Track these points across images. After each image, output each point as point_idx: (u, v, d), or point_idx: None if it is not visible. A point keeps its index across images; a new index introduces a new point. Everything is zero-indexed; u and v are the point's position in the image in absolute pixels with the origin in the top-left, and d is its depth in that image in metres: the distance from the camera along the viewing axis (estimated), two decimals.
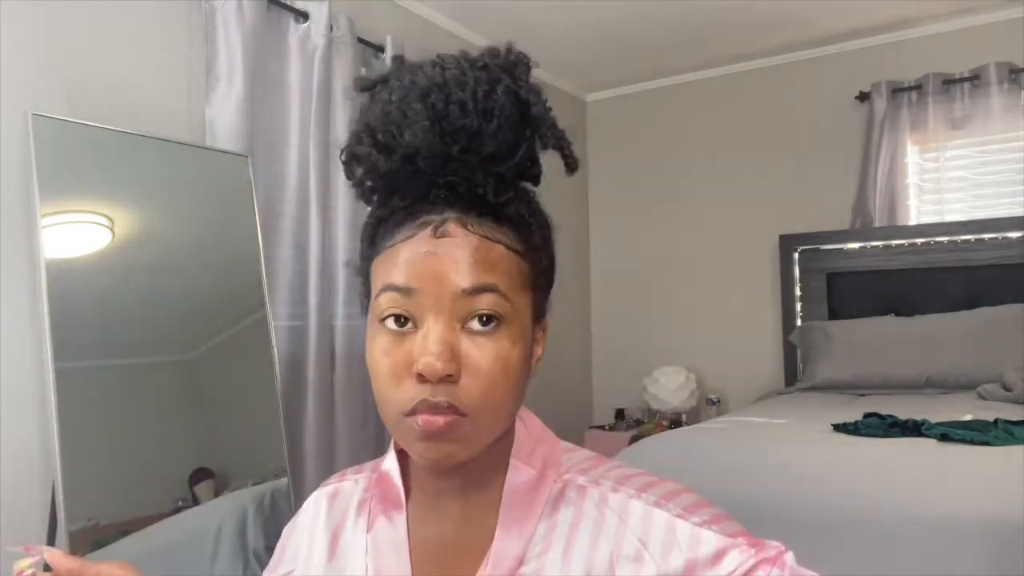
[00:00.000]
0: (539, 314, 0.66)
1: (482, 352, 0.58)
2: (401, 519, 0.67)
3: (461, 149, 0.58)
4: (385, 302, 0.60)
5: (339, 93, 2.56)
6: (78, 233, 1.77)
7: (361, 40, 2.67)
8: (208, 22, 2.19)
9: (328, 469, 2.28)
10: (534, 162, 0.63)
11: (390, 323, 0.60)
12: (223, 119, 2.18)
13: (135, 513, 1.74)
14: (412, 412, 0.58)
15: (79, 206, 1.77)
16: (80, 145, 1.79)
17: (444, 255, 0.59)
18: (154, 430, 1.85)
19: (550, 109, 0.63)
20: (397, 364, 0.59)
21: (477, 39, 3.38)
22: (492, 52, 0.62)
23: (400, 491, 0.68)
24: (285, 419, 2.16)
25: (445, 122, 0.58)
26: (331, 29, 2.52)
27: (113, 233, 1.83)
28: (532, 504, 0.65)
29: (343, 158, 0.63)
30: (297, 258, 2.41)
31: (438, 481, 0.66)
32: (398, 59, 0.66)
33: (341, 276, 2.55)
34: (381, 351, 0.60)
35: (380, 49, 2.77)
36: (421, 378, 0.57)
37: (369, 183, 0.63)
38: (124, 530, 1.70)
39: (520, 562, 0.63)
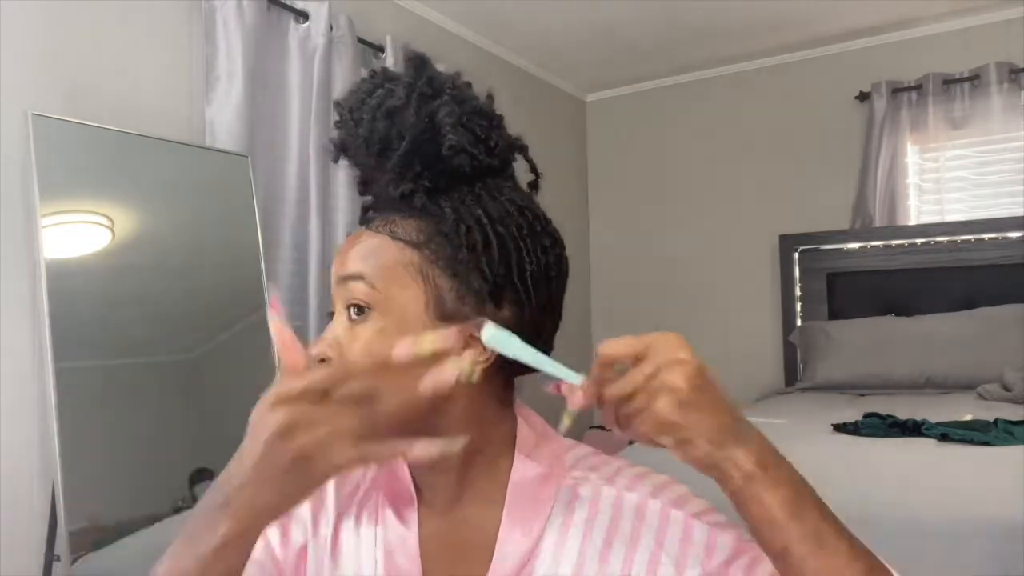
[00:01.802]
0: (455, 309, 0.61)
1: (350, 339, 0.62)
2: (411, 516, 0.67)
3: (359, 155, 0.65)
4: None
5: (339, 93, 2.55)
6: (78, 233, 1.77)
7: (361, 40, 2.67)
8: (208, 22, 2.19)
9: None
10: (453, 153, 0.62)
11: None
12: (223, 119, 2.18)
13: (135, 513, 1.74)
14: None
15: (79, 206, 1.77)
16: (80, 145, 1.79)
17: (342, 253, 0.65)
18: (154, 430, 1.84)
19: (442, 93, 0.63)
20: None
21: (477, 39, 3.38)
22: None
23: (410, 487, 0.68)
24: None
25: (338, 138, 0.67)
26: (331, 29, 2.52)
27: (113, 233, 1.83)
28: (539, 501, 0.64)
29: None
30: (297, 258, 2.41)
31: (427, 477, 0.67)
32: None
33: None
34: None
35: (380, 49, 2.77)
36: None
37: None
38: (124, 530, 1.70)
39: (528, 558, 0.62)
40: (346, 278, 0.63)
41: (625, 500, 0.64)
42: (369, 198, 0.70)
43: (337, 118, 0.68)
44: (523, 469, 0.65)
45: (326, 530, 0.69)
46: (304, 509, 0.71)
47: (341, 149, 0.68)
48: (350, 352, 0.61)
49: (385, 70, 0.67)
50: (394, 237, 0.63)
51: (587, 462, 0.68)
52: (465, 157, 0.63)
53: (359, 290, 0.62)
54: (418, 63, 0.65)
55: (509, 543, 0.63)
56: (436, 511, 0.67)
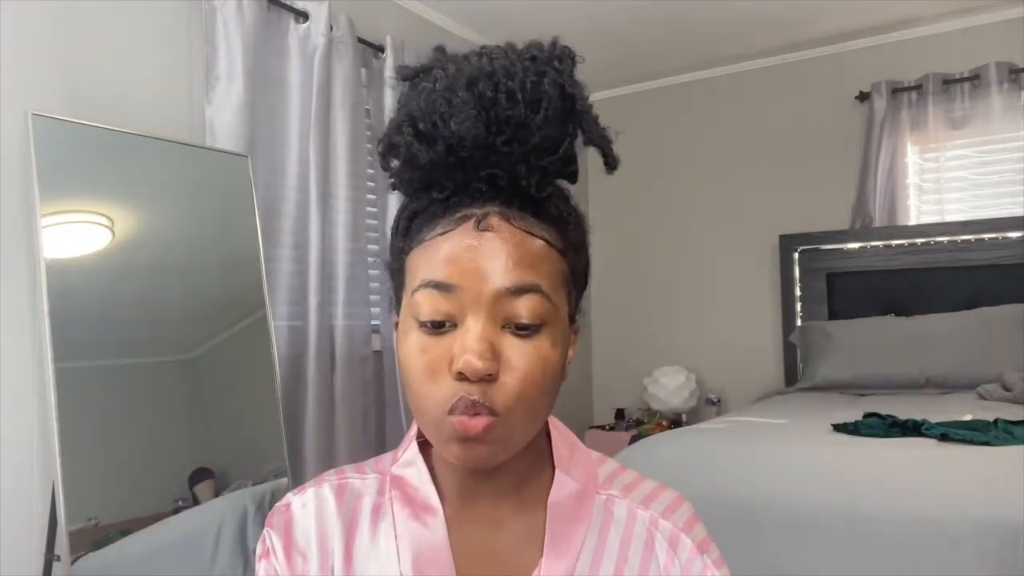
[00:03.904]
0: (573, 316, 0.65)
1: (523, 353, 0.57)
2: (437, 523, 0.64)
3: (507, 140, 0.57)
4: (424, 299, 0.58)
5: (339, 93, 2.56)
6: (78, 233, 1.77)
7: (361, 40, 2.67)
8: (208, 22, 2.19)
9: (328, 469, 2.28)
10: (573, 159, 0.62)
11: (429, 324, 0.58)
12: (223, 119, 2.18)
13: (135, 513, 1.74)
14: (451, 411, 0.56)
15: (79, 206, 1.77)
16: (80, 145, 1.79)
17: (487, 250, 0.57)
18: (154, 430, 1.85)
19: (592, 105, 0.62)
20: (435, 361, 0.57)
21: (477, 39, 3.38)
22: (537, 45, 0.61)
23: (432, 493, 0.65)
24: (285, 419, 2.16)
25: (493, 111, 0.56)
26: (331, 29, 2.52)
27: (113, 233, 1.83)
28: (578, 519, 0.64)
29: (380, 148, 0.62)
30: (297, 258, 2.41)
31: (474, 484, 0.65)
32: (440, 49, 0.63)
33: (341, 276, 2.55)
34: (418, 348, 0.58)
35: (380, 49, 2.77)
36: (461, 376, 0.56)
37: (406, 175, 0.61)
38: (124, 530, 1.70)
39: None
40: (520, 290, 0.57)
41: (660, 526, 0.65)
42: (431, 168, 0.60)
43: (489, 88, 0.57)
44: (563, 485, 0.64)
45: (336, 552, 0.65)
46: (305, 535, 0.66)
47: (489, 123, 0.57)
48: (521, 364, 0.57)
49: (536, 47, 0.61)
50: (548, 243, 0.60)
51: (620, 480, 0.68)
52: (576, 168, 0.63)
53: (534, 301, 0.57)
54: (575, 61, 0.62)
55: (552, 565, 0.62)
56: (474, 519, 0.65)
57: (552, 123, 0.58)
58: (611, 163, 0.63)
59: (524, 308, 0.57)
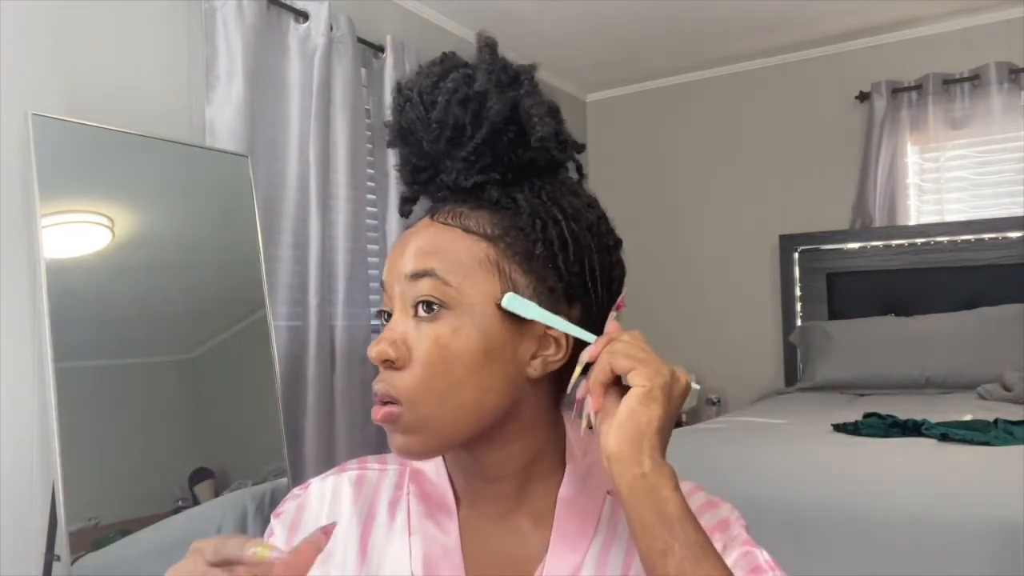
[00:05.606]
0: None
1: (419, 338, 0.59)
2: (452, 525, 0.64)
3: (427, 140, 0.61)
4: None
5: (339, 93, 2.56)
6: (78, 233, 1.77)
7: (361, 40, 2.67)
8: (208, 22, 2.19)
9: (328, 469, 2.27)
10: (524, 146, 0.61)
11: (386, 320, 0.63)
12: (223, 119, 2.18)
13: (135, 513, 1.74)
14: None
15: (79, 206, 1.77)
16: (80, 145, 1.79)
17: (399, 248, 0.62)
18: (154, 430, 1.84)
19: (521, 83, 0.62)
20: None
21: None
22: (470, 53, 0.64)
23: (448, 491, 0.66)
24: (285, 419, 2.16)
25: (402, 121, 0.62)
26: (331, 29, 2.52)
27: (113, 233, 1.83)
28: (585, 516, 0.64)
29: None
30: (297, 258, 2.41)
31: (483, 486, 0.65)
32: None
33: (341, 276, 2.55)
34: None
35: (380, 49, 2.77)
36: (377, 366, 0.60)
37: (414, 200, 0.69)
38: (124, 530, 1.70)
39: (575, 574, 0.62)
40: (415, 275, 0.59)
41: None
42: (414, 187, 0.66)
43: (400, 100, 0.62)
44: (571, 482, 0.64)
45: (351, 545, 0.65)
46: (315, 521, 0.66)
47: (405, 132, 0.62)
48: (416, 349, 0.58)
49: (454, 54, 0.64)
50: (466, 230, 0.60)
51: None
52: (544, 151, 0.62)
53: (431, 287, 0.58)
54: (493, 48, 0.63)
55: (557, 563, 0.62)
56: (483, 521, 0.65)
57: (455, 113, 0.60)
58: (534, 132, 0.61)
59: (418, 292, 0.59)
